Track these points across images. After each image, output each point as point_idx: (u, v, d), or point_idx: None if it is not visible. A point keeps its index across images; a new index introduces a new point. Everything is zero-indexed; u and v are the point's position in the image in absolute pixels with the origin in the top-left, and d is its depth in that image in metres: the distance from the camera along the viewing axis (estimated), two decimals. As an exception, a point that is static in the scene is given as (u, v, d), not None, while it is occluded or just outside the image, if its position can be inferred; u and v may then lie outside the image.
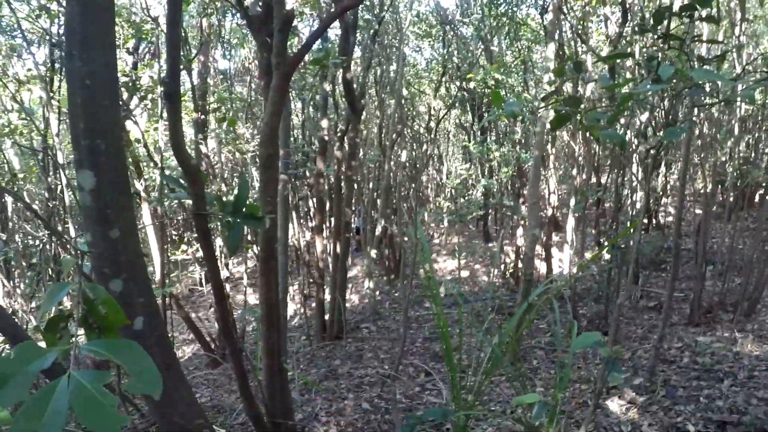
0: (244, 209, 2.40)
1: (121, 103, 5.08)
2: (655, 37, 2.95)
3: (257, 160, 12.92)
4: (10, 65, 9.13)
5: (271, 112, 3.31)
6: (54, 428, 0.95)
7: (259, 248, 3.70)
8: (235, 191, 2.46)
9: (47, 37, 9.00)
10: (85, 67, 2.26)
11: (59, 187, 10.00)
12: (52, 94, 8.64)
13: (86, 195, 2.30)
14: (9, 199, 14.19)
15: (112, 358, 1.09)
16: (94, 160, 2.30)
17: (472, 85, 13.14)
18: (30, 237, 12.25)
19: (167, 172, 8.57)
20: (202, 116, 9.33)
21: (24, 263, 11.89)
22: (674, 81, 2.69)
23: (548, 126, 6.77)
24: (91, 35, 2.27)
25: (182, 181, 2.80)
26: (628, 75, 8.21)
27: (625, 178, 9.24)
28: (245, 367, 3.60)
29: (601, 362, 5.83)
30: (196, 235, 9.61)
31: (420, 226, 5.04)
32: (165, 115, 8.48)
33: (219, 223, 2.40)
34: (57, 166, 6.87)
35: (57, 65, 9.23)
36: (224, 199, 2.44)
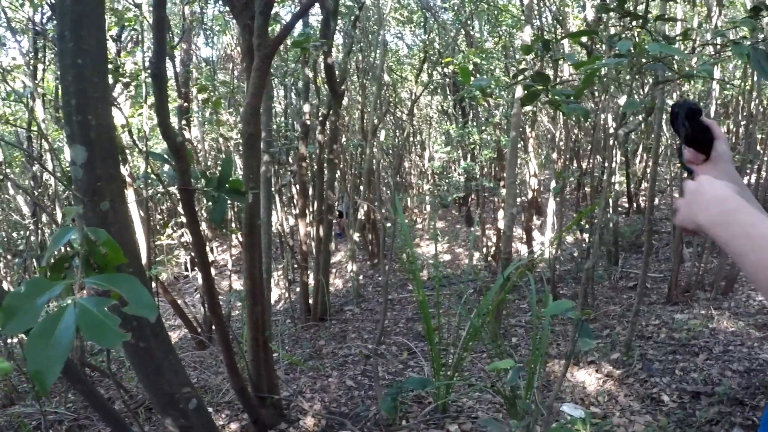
0: (227, 184, 2.50)
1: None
2: (618, 16, 3.07)
3: (239, 147, 13.00)
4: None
5: (252, 92, 3.41)
6: (63, 344, 1.06)
7: (242, 224, 3.80)
8: (219, 168, 2.56)
9: (31, 26, 9.00)
10: (76, 47, 2.34)
11: (44, 175, 10.05)
12: (37, 82, 8.67)
13: (78, 169, 2.39)
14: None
15: (113, 289, 1.20)
16: (86, 135, 2.39)
17: (451, 69, 13.23)
18: (16, 227, 12.28)
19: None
20: (185, 104, 9.37)
21: (10, 254, 11.94)
22: (633, 56, 2.81)
23: (528, 107, 6.91)
24: (82, 16, 2.35)
25: (168, 158, 2.91)
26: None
27: (605, 163, 9.38)
28: (231, 341, 3.71)
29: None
30: (181, 220, 9.72)
31: (401, 210, 5.15)
32: (149, 101, 8.58)
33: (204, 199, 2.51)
34: (50, 149, 6.91)
35: (40, 54, 9.24)
36: (209, 174, 2.55)
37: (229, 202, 2.61)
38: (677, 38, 3.12)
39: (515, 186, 7.23)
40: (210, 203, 2.54)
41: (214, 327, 4.31)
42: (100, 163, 2.43)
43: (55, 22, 9.30)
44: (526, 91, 3.12)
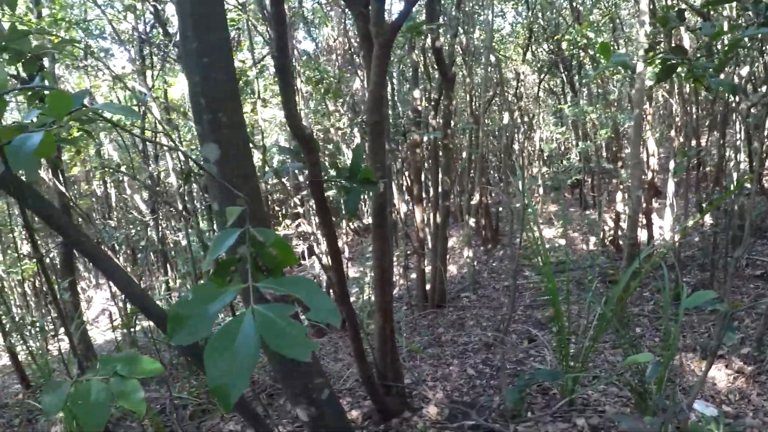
0: (359, 174, 2.47)
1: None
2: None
3: (346, 137, 13.12)
4: (103, 65, 9.53)
5: (374, 81, 3.37)
6: (247, 357, 1.02)
7: (371, 215, 3.78)
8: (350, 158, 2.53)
9: (136, 34, 9.38)
10: (201, 46, 2.35)
11: (160, 174, 10.46)
12: (150, 86, 9.00)
13: (211, 166, 2.41)
14: (112, 191, 14.90)
15: (291, 293, 1.17)
16: (217, 132, 2.40)
17: (563, 46, 12.86)
18: (134, 224, 12.83)
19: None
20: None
21: (129, 249, 12.54)
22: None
23: (648, 82, 6.59)
24: (203, 16, 2.36)
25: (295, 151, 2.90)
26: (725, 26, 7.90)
27: (727, 139, 8.87)
28: (359, 331, 3.71)
29: (707, 331, 5.70)
30: (295, 211, 9.89)
31: (527, 193, 5.01)
32: (267, 95, 8.71)
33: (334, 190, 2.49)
34: (175, 147, 7.15)
35: (147, 61, 9.62)
36: (340, 165, 2.52)
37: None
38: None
39: (640, 166, 6.94)
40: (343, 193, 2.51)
41: (343, 317, 4.33)
42: (234, 161, 2.44)
43: (157, 29, 9.70)
44: (662, 64, 2.95)
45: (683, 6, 8.43)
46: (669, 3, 9.48)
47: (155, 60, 9.88)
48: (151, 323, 6.51)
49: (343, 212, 13.25)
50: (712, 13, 6.99)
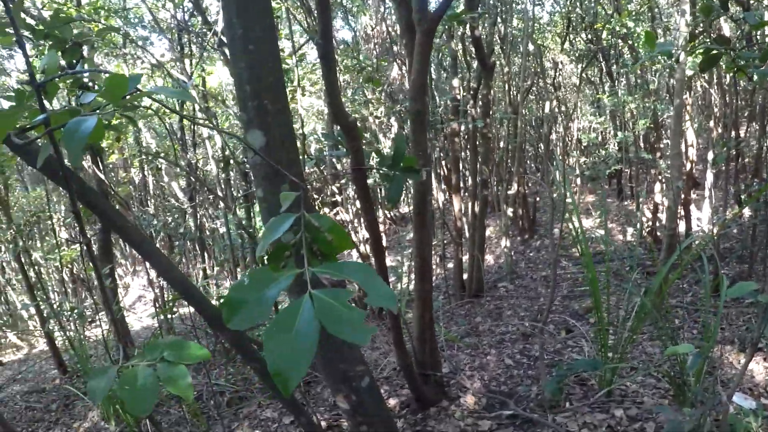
0: (401, 163, 2.47)
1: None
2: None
3: (383, 126, 13.11)
4: (141, 54, 9.62)
5: (417, 69, 3.39)
6: (307, 341, 1.03)
7: (412, 203, 3.80)
8: (392, 146, 2.54)
9: (175, 23, 9.44)
10: (246, 33, 2.35)
11: (198, 161, 10.55)
12: (190, 73, 9.08)
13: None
14: (150, 179, 15.07)
15: (349, 278, 1.18)
16: (262, 119, 2.40)
17: (603, 35, 12.72)
18: (172, 211, 12.95)
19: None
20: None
21: (168, 235, 12.66)
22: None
23: (689, 71, 6.50)
24: (248, 2, 2.36)
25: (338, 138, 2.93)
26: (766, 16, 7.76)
27: (767, 130, 8.72)
28: (400, 320, 3.73)
29: (745, 324, 5.63)
30: (333, 199, 9.93)
31: (568, 183, 4.98)
32: (305, 83, 8.72)
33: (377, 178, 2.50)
34: (220, 133, 7.21)
35: (186, 49, 9.68)
36: (383, 153, 2.53)
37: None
38: None
39: (680, 157, 6.85)
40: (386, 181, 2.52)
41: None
42: (278, 148, 2.44)
43: (196, 17, 9.76)
44: (705, 54, 2.92)
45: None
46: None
47: (194, 48, 9.97)
48: (189, 309, 6.60)
49: (383, 201, 13.28)
50: (752, 2, 6.88)
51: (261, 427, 4.64)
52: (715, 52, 2.88)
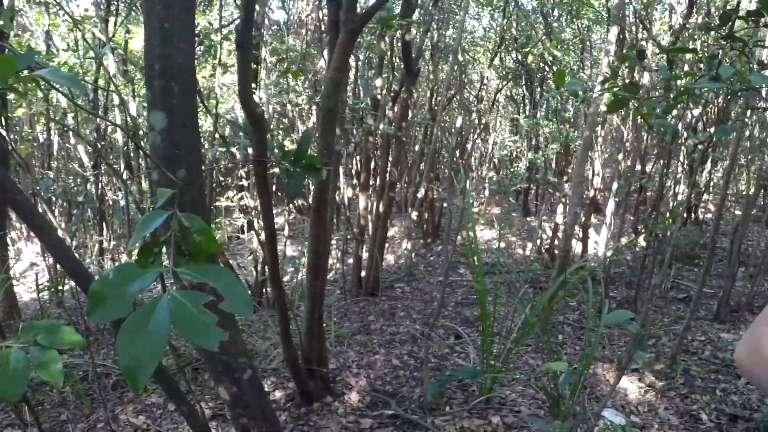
0: (304, 159, 2.49)
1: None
2: (719, 36, 3.02)
3: (302, 114, 13.04)
4: (65, 5, 9.23)
5: (335, 67, 3.40)
6: (158, 341, 1.04)
7: (311, 199, 3.83)
8: (298, 142, 2.55)
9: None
10: (164, 11, 2.27)
11: (108, 128, 10.19)
12: (112, 34, 8.81)
13: (156, 135, 2.36)
14: (55, 139, 14.47)
15: (208, 281, 1.18)
16: (167, 101, 2.34)
17: (529, 59, 13.07)
18: (74, 177, 12.47)
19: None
20: (255, 66, 9.40)
21: (66, 203, 12.16)
22: (731, 81, 2.75)
23: (602, 108, 6.80)
24: (171, -22, 2.28)
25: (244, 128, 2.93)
26: (686, 68, 8.15)
27: (670, 170, 9.19)
28: (288, 314, 3.76)
29: (626, 344, 5.95)
30: (240, 183, 9.83)
31: (468, 192, 5.13)
32: (230, 59, 8.57)
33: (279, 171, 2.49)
34: (123, 105, 6.97)
35: (113, 7, 9.38)
36: (286, 148, 2.55)
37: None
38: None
39: (582, 186, 7.15)
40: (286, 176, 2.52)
41: (273, 298, 4.37)
42: (180, 131, 2.39)
43: None
44: (613, 98, 3.08)
45: (648, 44, 8.69)
46: (639, 37, 9.73)
47: (121, 6, 9.66)
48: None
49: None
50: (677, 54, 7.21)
51: (145, 412, 4.55)
52: (621, 97, 3.05)
